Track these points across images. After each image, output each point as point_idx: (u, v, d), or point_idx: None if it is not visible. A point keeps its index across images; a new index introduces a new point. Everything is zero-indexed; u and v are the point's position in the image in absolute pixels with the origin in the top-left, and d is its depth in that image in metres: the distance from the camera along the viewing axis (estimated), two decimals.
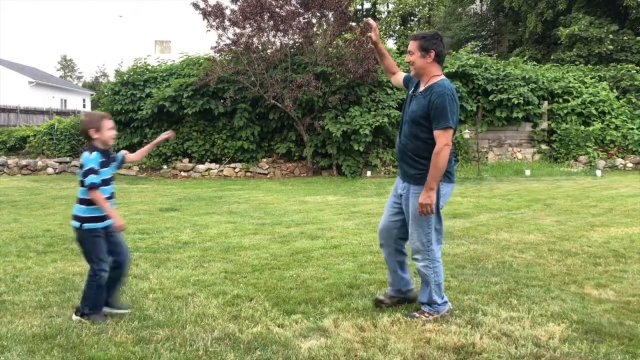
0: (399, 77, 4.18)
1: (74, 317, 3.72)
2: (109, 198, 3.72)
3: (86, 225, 3.67)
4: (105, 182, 3.69)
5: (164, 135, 4.17)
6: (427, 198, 3.61)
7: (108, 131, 3.71)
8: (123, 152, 3.99)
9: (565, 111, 16.74)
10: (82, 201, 3.67)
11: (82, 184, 3.64)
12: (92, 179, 3.59)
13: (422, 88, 3.77)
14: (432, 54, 3.71)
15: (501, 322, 3.67)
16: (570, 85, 17.15)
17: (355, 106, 14.52)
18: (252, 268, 5.12)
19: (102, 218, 3.69)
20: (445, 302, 3.86)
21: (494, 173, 14.83)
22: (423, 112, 3.66)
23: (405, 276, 4.04)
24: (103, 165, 3.68)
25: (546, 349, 3.24)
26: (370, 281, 4.64)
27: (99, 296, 3.72)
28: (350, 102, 14.75)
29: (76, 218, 3.69)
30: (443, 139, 3.58)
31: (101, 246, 3.70)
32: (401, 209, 3.89)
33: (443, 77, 3.77)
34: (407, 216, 3.83)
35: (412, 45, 3.77)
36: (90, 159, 3.63)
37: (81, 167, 3.67)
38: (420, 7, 33.63)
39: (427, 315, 3.76)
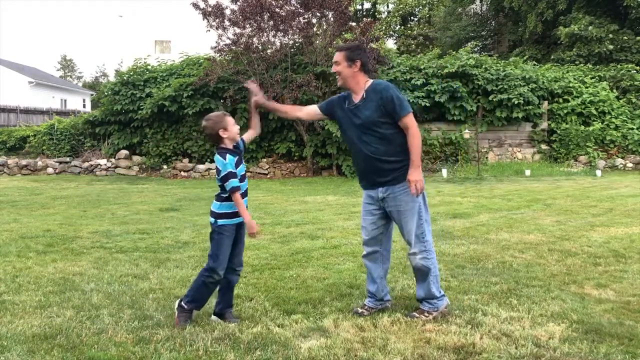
0: (311, 109, 4.13)
1: (176, 303, 3.78)
2: (244, 194, 3.74)
3: (220, 221, 3.71)
4: (241, 179, 3.71)
5: (255, 98, 4.00)
6: (418, 174, 3.71)
7: (234, 127, 3.74)
8: (242, 138, 3.90)
9: (565, 111, 16.73)
10: (218, 198, 3.74)
11: (221, 187, 3.69)
12: (233, 182, 3.61)
13: (359, 96, 3.82)
14: (358, 63, 3.81)
15: (501, 322, 3.67)
16: (570, 85, 17.15)
17: None
18: (252, 268, 5.12)
19: (237, 214, 3.71)
20: (443, 295, 3.88)
21: (494, 173, 14.82)
22: (379, 113, 3.73)
23: (387, 286, 4.06)
24: (237, 164, 3.71)
25: (546, 349, 3.24)
26: None
27: (201, 294, 3.71)
28: None
29: (212, 214, 3.77)
30: (412, 122, 3.73)
31: (225, 247, 3.70)
32: (382, 214, 3.88)
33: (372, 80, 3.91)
34: (397, 216, 3.81)
35: (338, 56, 3.85)
36: (226, 163, 3.64)
37: (217, 171, 3.68)
38: (420, 7, 33.64)
39: (427, 314, 3.75)
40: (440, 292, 3.86)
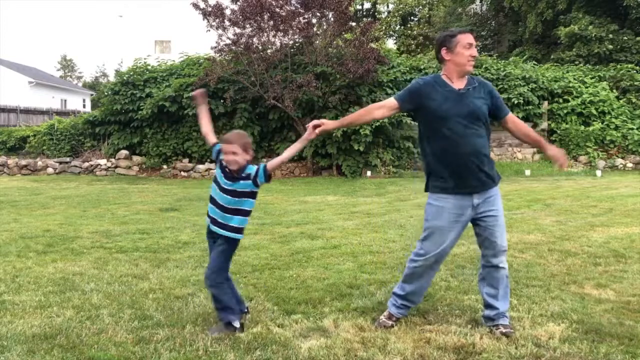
0: (391, 105, 3.63)
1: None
2: (213, 201, 3.65)
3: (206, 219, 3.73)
4: (215, 183, 3.64)
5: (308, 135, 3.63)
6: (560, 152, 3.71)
7: (225, 154, 3.53)
8: (266, 164, 3.64)
9: (565, 111, 16.74)
10: None
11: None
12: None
13: (463, 83, 3.57)
14: None
15: None
16: (570, 85, 17.15)
17: (355, 106, 14.52)
18: (252, 268, 5.12)
19: (208, 216, 3.68)
20: None
21: None
22: (487, 108, 3.56)
23: None
24: (220, 163, 3.63)
25: (546, 349, 3.24)
26: (370, 281, 4.64)
27: (216, 297, 3.56)
28: (350, 102, 14.75)
29: None
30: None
31: (209, 250, 3.74)
32: (465, 225, 3.59)
33: None
34: (492, 222, 3.53)
35: (474, 39, 3.62)
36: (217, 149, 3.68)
37: None
38: (420, 7, 33.63)
39: (511, 329, 3.53)
40: None
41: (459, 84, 3.56)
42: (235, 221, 3.60)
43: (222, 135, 3.65)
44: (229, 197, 3.58)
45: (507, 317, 3.62)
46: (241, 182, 3.56)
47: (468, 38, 3.54)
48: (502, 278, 3.62)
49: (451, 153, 3.48)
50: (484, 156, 3.52)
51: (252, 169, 3.58)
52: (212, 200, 3.65)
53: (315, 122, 3.57)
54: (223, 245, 3.63)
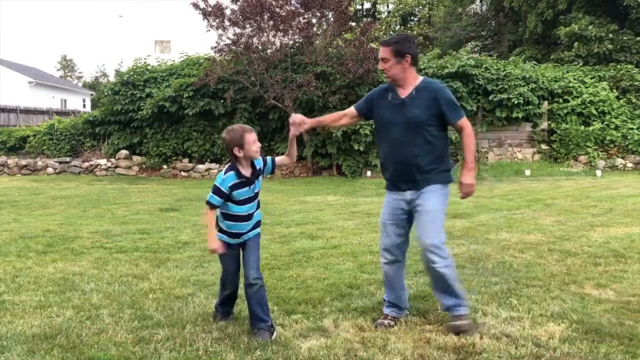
0: (351, 113, 3.84)
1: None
2: (245, 218, 3.55)
3: (218, 235, 3.61)
4: (244, 202, 3.51)
5: (302, 128, 3.71)
6: (472, 178, 3.58)
7: (252, 145, 3.44)
8: (273, 158, 3.67)
9: (565, 111, 16.73)
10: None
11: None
12: (211, 198, 3.47)
13: (407, 92, 3.56)
14: (409, 58, 3.51)
15: (501, 322, 3.67)
16: (570, 85, 17.14)
17: None
18: None
19: (231, 234, 3.57)
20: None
21: (494, 173, 14.81)
22: (429, 114, 3.49)
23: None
24: (238, 186, 3.46)
25: (546, 349, 3.24)
26: (370, 281, 4.64)
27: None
28: (350, 102, 14.70)
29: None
30: (467, 123, 3.59)
31: (223, 261, 3.67)
32: (408, 220, 3.64)
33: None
34: (421, 216, 3.52)
35: (385, 52, 3.53)
36: (224, 178, 3.45)
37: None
38: (420, 7, 33.63)
39: (465, 318, 3.53)
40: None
41: (404, 92, 3.59)
42: (260, 215, 3.69)
43: (246, 130, 3.49)
44: (255, 201, 3.61)
45: (463, 306, 3.57)
46: (260, 177, 3.63)
47: (380, 52, 3.64)
48: (436, 278, 3.55)
49: (387, 159, 3.69)
50: (416, 166, 3.53)
51: (259, 163, 3.61)
52: (239, 218, 3.54)
53: (297, 119, 3.67)
54: (256, 241, 3.65)
